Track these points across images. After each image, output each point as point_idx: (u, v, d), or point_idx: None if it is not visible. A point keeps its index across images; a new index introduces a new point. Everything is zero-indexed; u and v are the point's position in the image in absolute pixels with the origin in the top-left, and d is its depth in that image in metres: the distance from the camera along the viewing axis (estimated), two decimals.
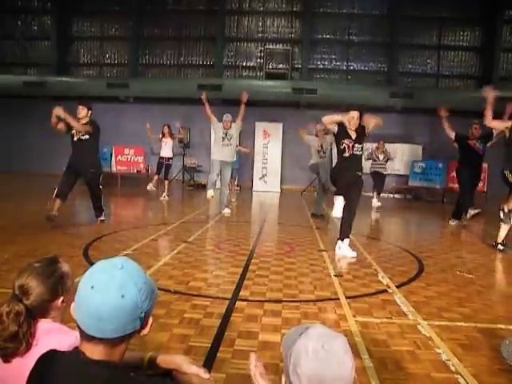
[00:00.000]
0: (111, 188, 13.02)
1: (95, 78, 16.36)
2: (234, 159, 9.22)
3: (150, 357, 1.35)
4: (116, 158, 14.46)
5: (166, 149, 10.80)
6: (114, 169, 14.46)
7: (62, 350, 1.09)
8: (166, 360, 1.35)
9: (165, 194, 10.53)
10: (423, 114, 14.83)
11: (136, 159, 14.43)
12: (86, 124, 6.30)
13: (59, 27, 16.49)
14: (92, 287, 1.01)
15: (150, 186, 10.84)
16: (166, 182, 10.76)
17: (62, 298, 1.43)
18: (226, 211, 8.41)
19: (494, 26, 15.40)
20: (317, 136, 8.67)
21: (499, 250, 5.84)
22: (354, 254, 5.21)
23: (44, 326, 1.40)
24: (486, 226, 8.11)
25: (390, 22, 15.63)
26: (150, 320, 1.10)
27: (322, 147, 8.58)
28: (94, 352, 1.03)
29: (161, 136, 10.86)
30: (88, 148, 6.37)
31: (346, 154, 5.30)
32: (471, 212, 7.72)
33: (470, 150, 8.13)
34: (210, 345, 2.59)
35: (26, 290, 1.37)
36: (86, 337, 1.03)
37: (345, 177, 5.31)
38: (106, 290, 1.00)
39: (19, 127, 15.67)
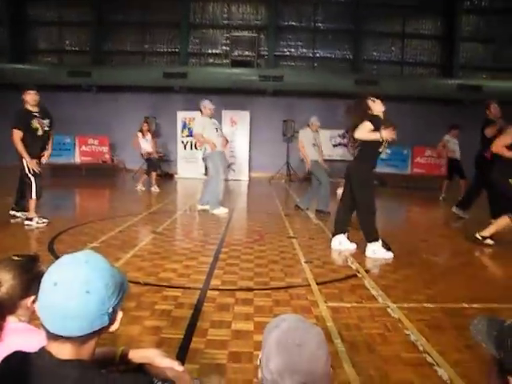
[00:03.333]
0: (75, 179, 12.67)
1: (55, 66, 15.71)
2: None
3: (122, 352, 1.32)
4: (80, 148, 14.05)
5: (148, 144, 10.60)
6: (77, 160, 14.05)
7: (30, 349, 1.04)
8: (138, 354, 1.32)
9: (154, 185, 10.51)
10: (388, 100, 15.04)
11: (101, 150, 14.06)
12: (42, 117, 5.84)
13: (12, 10, 15.68)
14: (55, 284, 0.96)
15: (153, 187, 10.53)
16: (154, 174, 10.69)
17: (33, 298, 1.38)
18: (223, 210, 7.36)
19: (454, 16, 15.75)
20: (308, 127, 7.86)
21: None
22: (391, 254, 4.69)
23: (11, 324, 1.35)
24: (447, 210, 8.31)
25: (354, 9, 15.71)
26: (120, 315, 1.07)
27: (315, 140, 7.77)
28: (61, 351, 0.98)
29: (141, 134, 10.55)
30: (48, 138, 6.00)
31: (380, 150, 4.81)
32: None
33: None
34: (182, 336, 2.56)
35: None
36: (51, 336, 0.98)
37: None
38: (70, 286, 0.96)
39: None
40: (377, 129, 4.61)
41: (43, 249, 4.50)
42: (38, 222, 5.70)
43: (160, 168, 13.76)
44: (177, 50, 16.08)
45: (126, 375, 1.06)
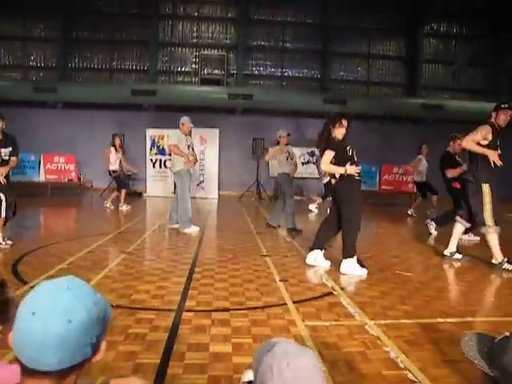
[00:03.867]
0: (40, 198, 12.28)
1: (20, 82, 15.33)
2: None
3: (101, 383, 1.24)
4: (45, 166, 13.66)
5: (118, 161, 10.40)
6: (42, 178, 13.64)
7: None
8: None
9: (124, 204, 10.27)
10: (355, 119, 15.41)
11: (67, 167, 13.71)
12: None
13: None
14: (33, 313, 0.88)
15: (124, 207, 10.22)
16: (124, 191, 10.43)
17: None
18: (194, 229, 7.24)
19: (417, 39, 16.42)
20: (278, 144, 7.89)
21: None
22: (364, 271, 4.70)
23: None
24: (415, 226, 8.52)
25: (322, 30, 16.13)
26: (104, 345, 1.00)
27: (289, 153, 7.79)
28: None
29: (114, 149, 10.34)
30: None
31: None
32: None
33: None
34: (159, 361, 2.46)
35: None
36: (27, 371, 0.89)
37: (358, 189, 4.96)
38: (50, 315, 0.88)
39: None
40: (340, 155, 4.73)
41: (7, 271, 4.28)
42: (0, 243, 5.46)
43: (128, 186, 13.54)
44: (145, 67, 16.01)
45: None
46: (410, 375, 2.40)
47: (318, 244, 5.03)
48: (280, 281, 4.31)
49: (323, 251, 5.04)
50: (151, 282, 4.11)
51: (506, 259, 5.10)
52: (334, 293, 3.96)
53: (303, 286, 4.21)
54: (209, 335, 2.88)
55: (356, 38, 16.52)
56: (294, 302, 3.62)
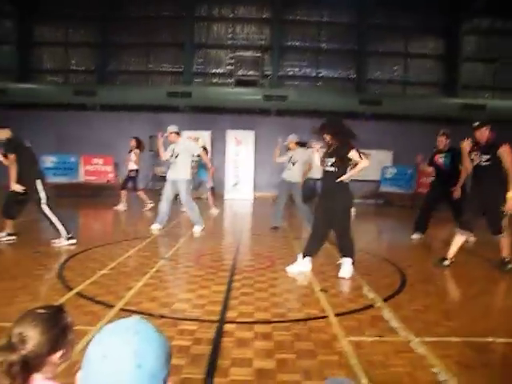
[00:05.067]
0: (79, 199, 12.63)
1: (61, 85, 15.84)
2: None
3: None
4: (84, 167, 14.04)
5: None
6: (81, 179, 14.03)
7: None
8: None
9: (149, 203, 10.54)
10: (392, 120, 15.12)
11: (105, 169, 14.05)
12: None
13: (20, 31, 15.89)
14: (104, 356, 0.88)
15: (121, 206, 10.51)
16: (141, 192, 10.75)
17: (60, 353, 1.29)
18: (197, 229, 7.64)
19: (456, 37, 15.92)
20: (289, 149, 8.10)
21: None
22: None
23: (38, 382, 1.25)
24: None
25: (357, 30, 15.90)
26: None
27: (291, 158, 7.94)
28: None
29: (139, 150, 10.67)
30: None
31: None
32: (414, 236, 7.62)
33: (434, 165, 7.46)
34: (204, 376, 2.46)
35: (24, 338, 1.22)
36: None
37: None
38: (120, 359, 0.88)
39: None
40: None
41: (52, 276, 4.42)
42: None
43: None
44: (181, 69, 16.20)
45: None
46: None
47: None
48: (320, 291, 4.26)
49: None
50: (191, 291, 4.14)
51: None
52: (376, 305, 3.87)
53: (344, 297, 4.15)
54: (252, 349, 2.86)
55: (392, 37, 16.21)
56: (335, 315, 3.56)
